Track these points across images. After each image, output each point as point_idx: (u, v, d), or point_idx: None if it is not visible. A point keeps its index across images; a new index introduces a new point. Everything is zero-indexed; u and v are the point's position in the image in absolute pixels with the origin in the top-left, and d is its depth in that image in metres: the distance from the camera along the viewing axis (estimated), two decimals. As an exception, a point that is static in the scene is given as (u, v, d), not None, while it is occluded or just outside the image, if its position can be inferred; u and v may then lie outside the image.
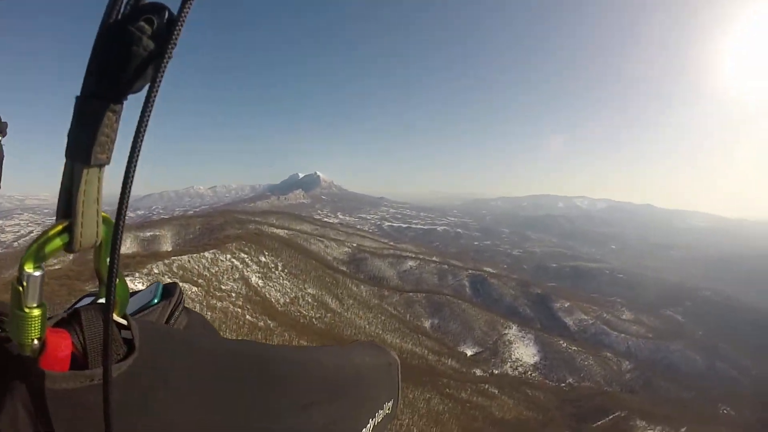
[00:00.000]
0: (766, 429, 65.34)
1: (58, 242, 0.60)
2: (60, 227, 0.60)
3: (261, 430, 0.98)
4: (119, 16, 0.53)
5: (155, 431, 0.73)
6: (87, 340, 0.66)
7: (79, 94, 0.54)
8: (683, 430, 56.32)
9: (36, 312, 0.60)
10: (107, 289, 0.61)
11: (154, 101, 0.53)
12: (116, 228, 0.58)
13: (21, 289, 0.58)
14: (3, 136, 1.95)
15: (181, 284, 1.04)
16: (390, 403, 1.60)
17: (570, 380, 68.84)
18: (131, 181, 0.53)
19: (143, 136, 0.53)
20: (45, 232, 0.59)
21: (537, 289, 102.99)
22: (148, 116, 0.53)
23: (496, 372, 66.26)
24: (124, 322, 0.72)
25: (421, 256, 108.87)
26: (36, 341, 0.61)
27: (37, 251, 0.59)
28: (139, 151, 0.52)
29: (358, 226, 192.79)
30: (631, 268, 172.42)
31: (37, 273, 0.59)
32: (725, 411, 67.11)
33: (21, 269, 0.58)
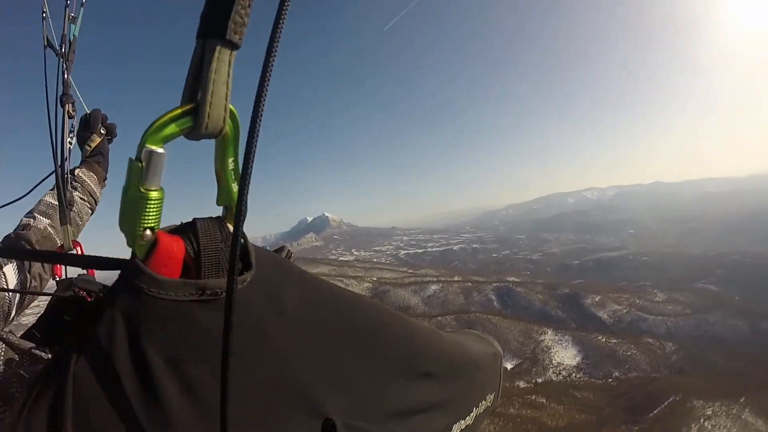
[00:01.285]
0: None
1: (181, 125, 0.57)
2: (186, 107, 0.57)
3: (371, 385, 0.93)
4: None
5: (264, 360, 0.69)
6: (202, 249, 0.63)
7: None
8: (742, 400, 56.22)
9: (154, 194, 0.57)
10: (240, 191, 0.56)
11: None
12: (254, 115, 0.53)
13: (140, 165, 0.55)
14: (111, 137, 2.40)
15: None
16: (492, 396, 1.61)
17: (616, 374, 68.67)
18: (272, 65, 0.52)
19: (280, 28, 0.52)
20: (169, 111, 0.57)
21: (564, 288, 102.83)
22: (282, 13, 0.52)
23: (540, 380, 65.80)
24: (241, 240, 0.66)
25: (442, 279, 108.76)
26: (149, 232, 0.58)
27: (159, 129, 0.56)
28: (275, 43, 0.51)
29: (375, 260, 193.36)
30: (654, 248, 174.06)
31: (160, 150, 0.56)
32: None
33: (141, 146, 0.55)
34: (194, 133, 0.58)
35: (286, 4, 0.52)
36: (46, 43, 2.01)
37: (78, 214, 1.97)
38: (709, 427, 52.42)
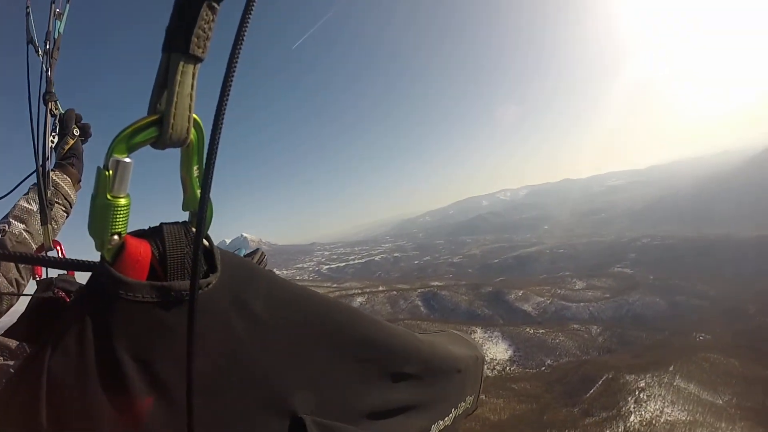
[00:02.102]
0: (742, 337, 70.52)
1: (147, 135, 0.62)
2: (151, 119, 0.61)
3: (343, 385, 0.97)
4: None
5: (229, 361, 0.73)
6: (168, 252, 0.67)
7: None
8: (671, 368, 58.92)
9: (122, 201, 0.62)
10: (202, 196, 0.63)
11: (252, 6, 0.57)
12: (215, 124, 0.58)
13: (108, 174, 0.60)
14: (85, 137, 2.30)
15: None
16: (471, 397, 1.65)
17: (548, 362, 69.82)
18: (232, 78, 0.57)
19: (242, 38, 0.57)
20: (134, 122, 0.61)
21: (488, 287, 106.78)
22: (246, 21, 0.57)
23: (476, 377, 65.90)
24: (206, 243, 0.73)
25: (367, 290, 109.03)
26: (116, 237, 0.62)
27: (126, 139, 0.60)
28: (236, 53, 0.56)
29: (298, 277, 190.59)
30: (568, 240, 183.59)
31: (127, 159, 0.61)
32: (701, 337, 71.19)
33: (109, 155, 0.60)
34: (159, 142, 0.63)
35: (247, 17, 0.56)
36: (28, 40, 2.00)
37: (53, 217, 1.97)
38: (645, 397, 54.24)
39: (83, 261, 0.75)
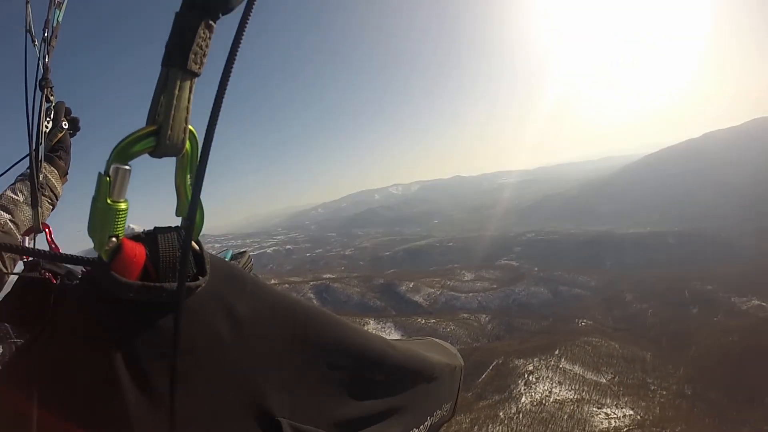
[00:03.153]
0: (621, 322, 77.69)
1: (145, 144, 0.69)
2: (149, 129, 0.69)
3: (320, 391, 1.04)
4: None
5: (213, 361, 0.81)
6: (161, 255, 0.74)
7: (177, 10, 0.66)
8: (556, 352, 62.58)
9: (121, 206, 0.69)
10: (191, 203, 0.73)
11: (246, 23, 0.65)
12: (206, 140, 0.67)
13: (108, 180, 0.67)
14: (74, 131, 2.39)
15: None
16: (448, 405, 1.73)
17: (440, 349, 71.53)
18: (223, 94, 0.64)
19: (236, 53, 0.64)
20: (134, 132, 0.69)
21: (379, 279, 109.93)
22: (241, 36, 0.65)
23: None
24: (197, 247, 0.81)
25: None
26: (114, 239, 0.70)
27: (125, 148, 0.68)
28: (231, 67, 0.64)
29: None
30: (458, 234, 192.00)
31: (126, 167, 0.68)
32: (583, 323, 76.45)
33: (109, 163, 0.68)
34: (157, 152, 0.70)
35: (241, 36, 0.64)
36: (27, 28, 2.06)
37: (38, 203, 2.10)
38: (534, 379, 57.03)
39: (81, 257, 0.81)
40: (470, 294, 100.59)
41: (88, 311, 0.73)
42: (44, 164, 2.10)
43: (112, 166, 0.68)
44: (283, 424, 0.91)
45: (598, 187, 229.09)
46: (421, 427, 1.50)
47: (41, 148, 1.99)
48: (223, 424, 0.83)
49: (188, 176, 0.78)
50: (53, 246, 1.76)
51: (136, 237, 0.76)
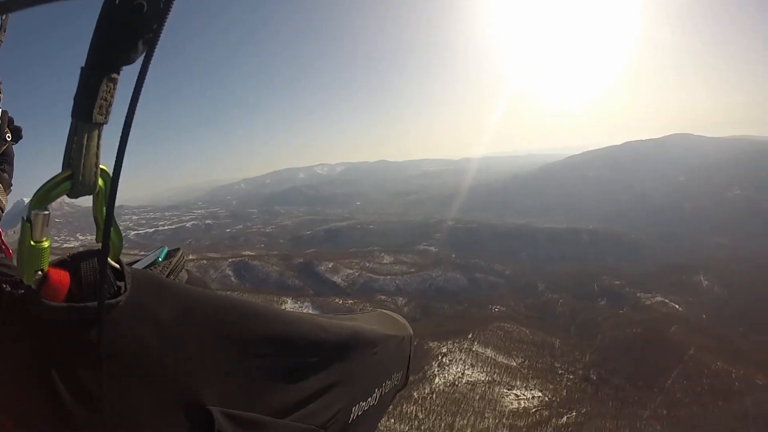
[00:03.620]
0: (532, 310, 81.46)
1: (62, 189, 0.80)
2: (64, 175, 0.79)
3: (253, 378, 1.12)
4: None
5: (143, 370, 0.89)
6: (83, 278, 0.84)
7: (83, 65, 0.75)
8: (470, 336, 64.16)
9: (43, 245, 0.81)
10: (104, 231, 0.83)
11: (146, 71, 0.74)
12: (114, 178, 0.80)
13: (29, 225, 0.79)
14: (17, 140, 2.30)
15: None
16: (399, 374, 1.80)
17: (355, 328, 71.89)
18: (127, 137, 0.73)
19: (137, 100, 0.72)
20: (51, 179, 0.79)
21: (299, 258, 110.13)
22: (142, 84, 0.73)
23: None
24: (117, 266, 0.90)
25: None
26: (40, 272, 0.81)
27: (44, 195, 0.79)
28: (133, 112, 0.73)
29: None
30: (379, 218, 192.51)
31: (45, 212, 0.80)
32: (497, 309, 79.07)
33: (30, 209, 0.79)
34: (72, 194, 0.82)
35: (141, 86, 0.74)
36: None
37: None
38: (447, 361, 58.52)
39: (11, 277, 0.92)
40: (388, 277, 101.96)
41: (20, 336, 0.81)
42: None
43: (32, 212, 0.78)
44: (213, 411, 0.98)
45: (520, 183, 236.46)
46: (369, 399, 1.56)
47: None
48: (155, 418, 0.91)
49: (103, 208, 0.87)
50: (4, 247, 1.86)
51: (62, 262, 0.86)
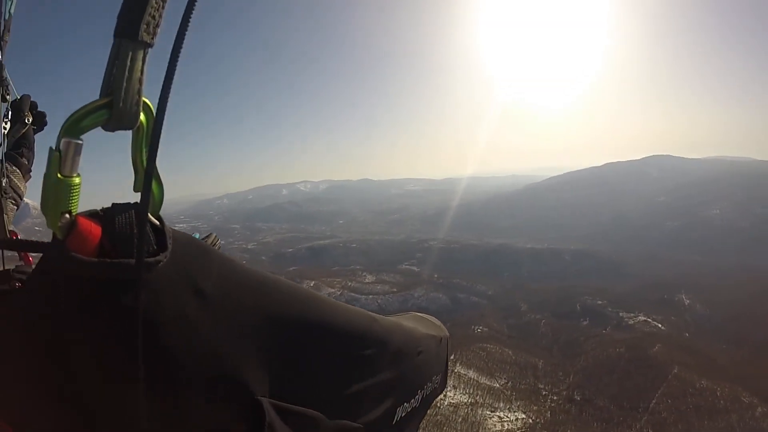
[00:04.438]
0: (515, 330, 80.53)
1: (97, 117, 0.68)
2: (101, 102, 0.68)
3: (303, 367, 1.02)
4: None
5: (182, 340, 0.77)
6: (118, 232, 0.72)
7: None
8: (452, 357, 62.92)
9: (72, 180, 0.68)
10: (145, 179, 0.70)
11: None
12: (159, 114, 0.67)
13: (59, 154, 0.67)
14: (41, 127, 2.35)
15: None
16: (438, 377, 1.76)
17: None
18: (175, 66, 0.64)
19: (188, 21, 0.65)
20: (86, 105, 0.68)
21: (280, 276, 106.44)
22: (193, 7, 0.65)
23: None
24: (157, 222, 0.79)
25: None
26: (67, 216, 0.69)
27: (76, 121, 0.67)
28: (183, 36, 0.64)
29: None
30: (361, 236, 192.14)
31: (77, 141, 0.68)
32: (479, 330, 78.20)
33: (60, 136, 0.67)
34: (110, 125, 0.70)
35: (192, 8, 0.64)
36: None
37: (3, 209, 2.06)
38: None
39: (36, 241, 0.85)
40: (370, 296, 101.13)
41: (46, 295, 0.71)
42: (6, 164, 2.04)
43: (63, 140, 0.67)
44: (263, 403, 0.88)
45: (502, 203, 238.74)
46: (412, 400, 1.51)
47: (1, 150, 1.97)
48: (200, 402, 0.81)
49: (144, 150, 0.76)
50: (23, 254, 1.79)
51: (93, 214, 0.74)
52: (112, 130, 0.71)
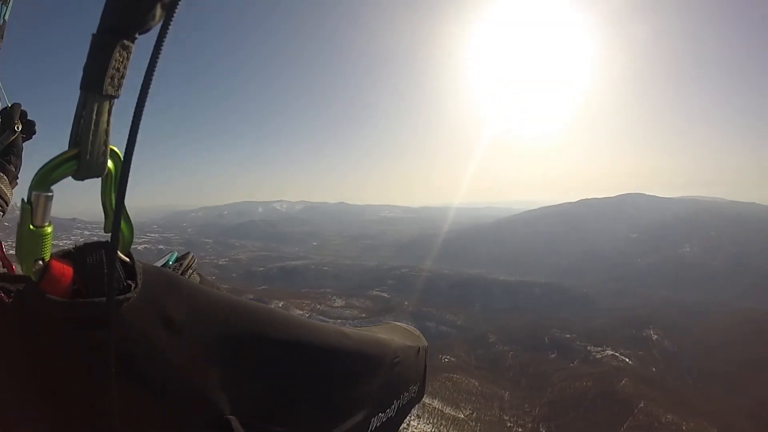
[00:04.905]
0: (483, 361, 79.33)
1: (66, 168, 0.71)
2: (69, 154, 0.71)
3: (273, 386, 1.06)
4: None
5: (156, 373, 0.82)
6: (89, 272, 0.77)
7: (94, 31, 0.68)
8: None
9: (45, 230, 0.72)
10: (114, 220, 0.74)
11: (163, 41, 0.66)
12: (126, 160, 0.70)
13: (30, 207, 0.70)
14: (29, 135, 2.31)
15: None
16: (416, 387, 1.77)
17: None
18: (140, 116, 0.66)
19: (153, 71, 0.65)
20: (55, 157, 0.71)
21: (249, 294, 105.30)
22: (158, 54, 0.66)
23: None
24: (127, 259, 0.84)
25: None
26: (40, 262, 0.73)
27: (46, 175, 0.70)
28: (149, 85, 0.66)
29: None
30: (334, 260, 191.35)
31: (47, 193, 0.71)
32: (446, 359, 76.85)
33: (31, 190, 0.70)
34: (79, 175, 0.73)
35: (157, 57, 0.66)
36: None
37: None
38: None
39: (8, 275, 0.90)
40: (339, 320, 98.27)
41: (20, 332, 0.76)
42: None
43: (33, 193, 0.70)
44: (232, 421, 0.92)
45: (477, 234, 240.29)
46: (388, 410, 1.53)
47: None
48: (169, 427, 0.86)
49: (112, 194, 0.80)
50: (6, 262, 1.80)
51: (66, 254, 0.79)
52: (82, 179, 0.74)
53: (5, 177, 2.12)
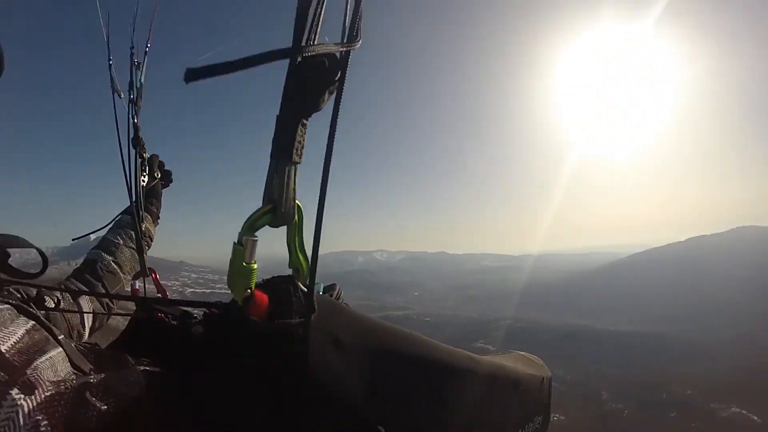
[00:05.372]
0: (595, 421, 76.22)
1: (265, 219, 0.94)
2: (267, 208, 0.93)
3: (419, 407, 1.18)
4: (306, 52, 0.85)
5: (327, 381, 0.99)
6: (275, 299, 1.00)
7: (278, 113, 0.90)
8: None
9: (252, 266, 0.94)
10: (295, 257, 1.07)
11: (337, 115, 0.87)
12: (319, 212, 0.89)
13: (241, 248, 0.92)
14: (167, 183, 2.75)
15: None
16: (540, 418, 1.78)
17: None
18: (327, 176, 0.87)
19: (333, 141, 0.85)
20: (257, 210, 0.93)
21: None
22: (335, 127, 0.86)
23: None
24: (305, 289, 1.05)
25: None
26: (248, 290, 0.95)
27: (252, 223, 0.93)
28: (331, 151, 0.86)
29: None
30: (435, 310, 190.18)
31: (253, 237, 0.93)
32: (555, 418, 74.08)
33: (241, 235, 0.92)
34: (274, 224, 0.96)
35: (334, 130, 0.87)
36: (114, 90, 2.31)
37: (142, 249, 2.40)
38: None
39: (204, 302, 1.22)
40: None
41: (230, 343, 1.00)
42: (143, 213, 2.44)
43: (243, 237, 0.92)
44: (381, 430, 1.03)
45: (581, 281, 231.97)
46: None
47: (140, 200, 2.36)
48: (329, 420, 1.01)
49: (296, 238, 1.04)
50: (161, 288, 2.14)
51: (259, 284, 0.99)
52: (276, 227, 0.98)
53: (149, 216, 2.54)
